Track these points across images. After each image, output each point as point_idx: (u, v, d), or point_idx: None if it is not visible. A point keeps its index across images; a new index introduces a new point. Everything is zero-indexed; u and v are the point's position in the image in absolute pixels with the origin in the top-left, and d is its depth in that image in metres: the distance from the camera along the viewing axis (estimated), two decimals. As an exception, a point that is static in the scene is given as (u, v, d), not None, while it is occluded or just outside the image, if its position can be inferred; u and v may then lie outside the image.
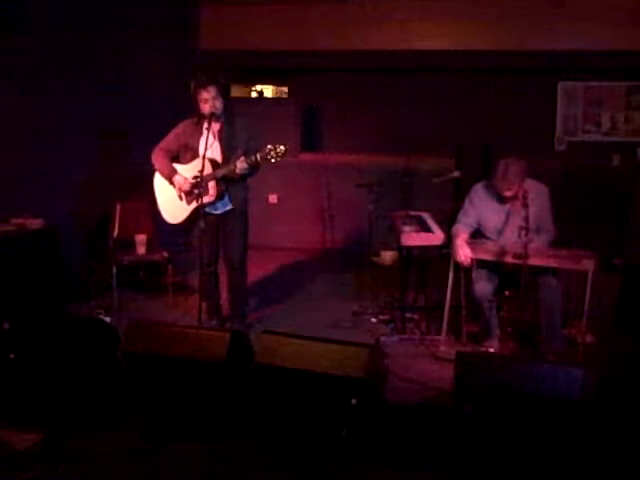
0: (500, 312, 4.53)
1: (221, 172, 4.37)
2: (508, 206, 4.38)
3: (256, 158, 4.24)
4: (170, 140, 4.63)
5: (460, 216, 4.55)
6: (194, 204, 4.51)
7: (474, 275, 4.36)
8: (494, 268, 4.36)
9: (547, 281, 4.22)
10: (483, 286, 4.32)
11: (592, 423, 2.95)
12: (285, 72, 8.07)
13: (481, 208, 4.48)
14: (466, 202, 4.56)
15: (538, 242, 4.26)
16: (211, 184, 4.39)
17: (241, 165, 4.28)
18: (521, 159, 4.28)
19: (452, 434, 3.12)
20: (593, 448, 2.93)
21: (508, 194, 4.27)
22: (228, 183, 4.48)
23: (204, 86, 4.38)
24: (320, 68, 7.61)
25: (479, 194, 4.52)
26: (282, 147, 4.19)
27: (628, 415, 3.05)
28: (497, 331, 4.44)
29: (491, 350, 4.38)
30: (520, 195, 4.07)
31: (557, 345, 4.27)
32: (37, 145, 5.16)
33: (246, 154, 4.31)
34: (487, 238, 4.47)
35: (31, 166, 5.07)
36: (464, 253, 4.30)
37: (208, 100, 4.37)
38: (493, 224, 4.44)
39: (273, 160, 4.21)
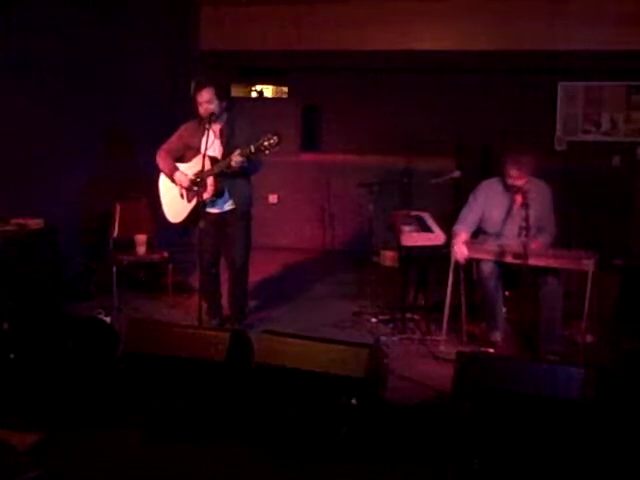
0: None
1: (218, 167, 4.38)
2: (510, 204, 4.40)
3: (250, 149, 4.25)
4: (173, 141, 4.67)
5: (463, 213, 4.56)
6: (194, 201, 4.52)
7: (480, 259, 4.34)
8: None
9: (548, 281, 4.22)
10: (489, 265, 4.29)
11: (592, 423, 2.95)
12: (285, 72, 8.07)
13: (485, 204, 4.50)
14: (470, 198, 4.59)
15: (539, 240, 4.27)
16: (210, 180, 4.40)
17: (236, 158, 4.29)
18: (533, 152, 4.33)
19: (452, 434, 3.12)
20: (593, 448, 2.93)
21: (518, 182, 4.27)
22: (229, 181, 4.48)
23: (198, 90, 4.43)
24: (320, 68, 7.61)
25: (484, 191, 4.54)
26: (275, 138, 4.17)
27: (628, 415, 3.05)
28: (502, 320, 4.42)
29: (497, 339, 4.38)
30: (522, 193, 4.08)
31: (557, 345, 4.27)
32: (37, 145, 5.16)
33: (242, 147, 4.32)
34: (488, 234, 4.47)
35: (31, 166, 5.08)
36: (460, 251, 4.32)
37: (202, 104, 4.42)
38: (495, 220, 4.46)
39: (267, 151, 4.22)
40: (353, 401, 3.18)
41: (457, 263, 4.38)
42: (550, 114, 7.31)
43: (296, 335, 3.56)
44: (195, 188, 4.48)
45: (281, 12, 7.21)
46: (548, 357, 4.14)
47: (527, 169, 4.26)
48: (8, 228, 4.79)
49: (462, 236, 4.42)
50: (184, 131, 4.65)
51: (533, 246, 4.17)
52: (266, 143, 4.17)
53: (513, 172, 4.27)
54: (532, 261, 4.02)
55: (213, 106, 4.41)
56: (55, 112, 5.32)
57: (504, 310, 4.65)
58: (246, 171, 4.49)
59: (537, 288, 4.25)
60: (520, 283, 3.99)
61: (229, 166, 4.34)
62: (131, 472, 3.08)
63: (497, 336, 4.41)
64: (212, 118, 4.38)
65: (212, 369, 3.41)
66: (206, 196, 4.40)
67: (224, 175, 4.42)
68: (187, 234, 4.92)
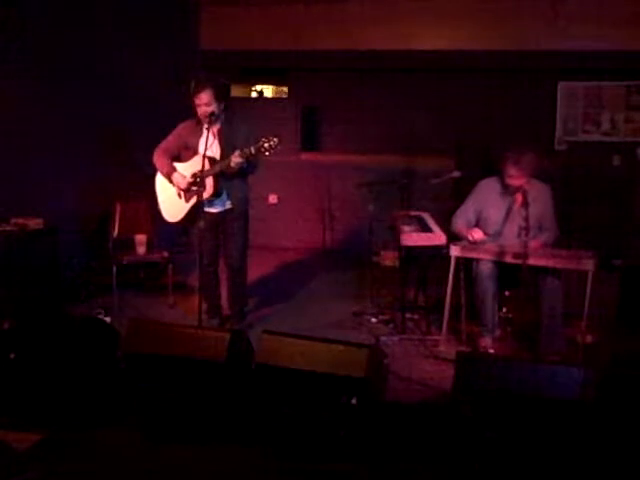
0: (500, 312, 4.53)
1: (217, 167, 4.38)
2: (510, 204, 4.39)
3: (250, 151, 4.25)
4: (171, 140, 4.65)
5: (460, 211, 4.56)
6: (192, 201, 4.53)
7: (479, 259, 4.34)
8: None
9: (548, 281, 4.21)
10: (488, 266, 4.28)
11: (592, 423, 2.95)
12: (285, 72, 8.07)
13: (484, 203, 4.49)
14: (469, 196, 4.58)
15: (540, 239, 4.26)
16: (209, 180, 4.41)
17: (236, 159, 4.29)
18: (534, 152, 4.30)
19: (452, 434, 3.12)
20: (593, 448, 2.93)
21: (517, 182, 4.26)
22: (227, 182, 4.49)
23: (196, 94, 4.41)
24: (320, 68, 7.61)
25: (482, 190, 4.54)
26: (275, 139, 4.19)
27: (628, 415, 3.05)
28: (494, 322, 4.41)
29: (487, 344, 4.37)
30: (522, 193, 4.08)
31: (558, 345, 4.26)
32: (37, 145, 5.16)
33: (242, 149, 4.33)
34: (488, 234, 4.47)
35: (31, 166, 5.08)
36: (474, 231, 4.33)
37: (201, 106, 4.41)
38: (494, 220, 4.45)
39: (267, 153, 4.22)
40: (353, 401, 3.18)
41: (458, 261, 4.36)
42: (550, 114, 7.31)
43: (296, 335, 3.56)
44: (194, 188, 4.48)
45: (281, 12, 7.22)
46: (549, 357, 4.14)
47: (526, 169, 4.24)
48: (8, 228, 4.79)
49: (464, 225, 4.44)
50: (182, 130, 4.64)
51: (534, 245, 4.17)
52: (266, 145, 4.18)
53: (512, 171, 4.26)
54: (532, 261, 4.01)
55: (212, 108, 4.41)
56: (55, 112, 5.32)
57: (504, 310, 4.65)
58: (244, 171, 4.50)
59: (538, 288, 4.25)
60: (520, 283, 3.99)
61: (228, 167, 4.34)
62: (131, 472, 3.08)
63: (487, 341, 4.40)
64: (212, 119, 4.39)
65: (212, 369, 3.40)
66: (205, 196, 4.40)
67: (222, 175, 4.43)
68: (187, 234, 4.92)
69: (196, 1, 7.36)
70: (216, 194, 4.48)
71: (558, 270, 4.19)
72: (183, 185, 4.54)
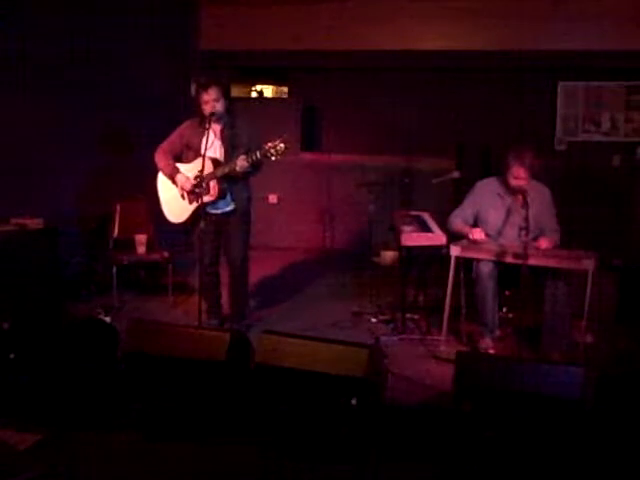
0: (500, 312, 4.53)
1: (222, 170, 4.38)
2: (509, 205, 4.39)
3: (256, 155, 4.25)
4: (172, 140, 4.64)
5: (457, 211, 4.55)
6: (196, 203, 4.52)
7: (479, 259, 4.33)
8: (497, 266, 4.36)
9: (552, 283, 4.19)
10: (488, 266, 4.27)
11: (592, 423, 2.95)
12: (285, 72, 8.07)
13: (482, 205, 4.49)
14: (467, 197, 4.57)
15: (553, 238, 4.25)
16: (212, 183, 4.40)
17: (242, 163, 4.29)
18: (532, 149, 4.31)
19: (452, 434, 3.12)
20: (592, 448, 2.93)
21: (520, 182, 4.25)
22: (230, 182, 4.49)
23: (205, 88, 4.39)
24: (320, 68, 7.61)
25: (482, 190, 4.53)
26: (282, 145, 4.19)
27: (627, 415, 3.05)
28: (495, 323, 4.41)
29: (488, 344, 4.37)
30: (522, 193, 4.08)
31: (560, 345, 4.24)
32: (37, 145, 5.16)
33: (247, 152, 4.33)
34: (488, 236, 4.47)
35: (31, 166, 5.08)
36: (475, 230, 4.32)
37: (209, 102, 4.39)
38: (493, 221, 4.45)
39: (273, 158, 4.22)
40: (353, 401, 3.18)
41: (458, 261, 4.36)
42: (550, 114, 7.31)
43: (296, 335, 3.56)
44: (197, 190, 4.47)
45: (281, 12, 7.21)
46: (552, 357, 4.13)
47: (531, 168, 4.25)
48: (8, 228, 4.78)
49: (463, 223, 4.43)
50: (185, 130, 4.62)
51: (543, 245, 4.17)
52: (273, 150, 4.18)
53: (520, 173, 4.25)
54: (532, 261, 4.01)
55: (219, 104, 4.40)
56: (55, 112, 5.32)
57: (504, 310, 4.65)
58: (247, 174, 4.50)
59: (542, 288, 4.23)
60: (520, 283, 3.98)
61: (234, 170, 4.34)
62: (131, 472, 3.08)
63: (487, 341, 4.40)
64: (212, 118, 4.37)
65: (212, 369, 3.41)
66: (209, 199, 4.40)
67: (225, 177, 4.43)
68: (188, 234, 4.92)
69: (196, 1, 7.36)
70: (220, 197, 4.47)
71: (561, 271, 4.18)
72: (188, 187, 4.51)
